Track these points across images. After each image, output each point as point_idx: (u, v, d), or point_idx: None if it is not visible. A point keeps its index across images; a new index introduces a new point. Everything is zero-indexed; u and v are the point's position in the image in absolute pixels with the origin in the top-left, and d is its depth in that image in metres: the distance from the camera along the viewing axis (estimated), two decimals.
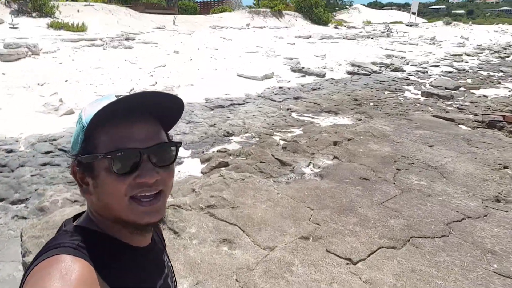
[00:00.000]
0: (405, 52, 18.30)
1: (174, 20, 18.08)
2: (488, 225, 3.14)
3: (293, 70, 11.91)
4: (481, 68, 14.97)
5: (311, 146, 4.99)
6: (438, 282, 2.38)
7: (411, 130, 5.94)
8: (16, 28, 11.30)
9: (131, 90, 7.77)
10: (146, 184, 0.64)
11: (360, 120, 6.60)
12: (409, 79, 11.65)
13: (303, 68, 12.02)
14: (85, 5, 15.59)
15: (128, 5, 19.34)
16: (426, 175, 4.13)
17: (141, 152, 0.64)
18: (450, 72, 13.73)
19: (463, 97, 9.31)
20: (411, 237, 2.89)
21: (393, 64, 14.10)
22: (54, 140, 4.60)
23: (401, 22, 38.10)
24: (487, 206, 3.48)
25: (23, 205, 3.47)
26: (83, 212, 0.74)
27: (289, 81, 10.37)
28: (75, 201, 3.19)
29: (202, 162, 4.37)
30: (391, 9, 76.78)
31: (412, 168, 4.33)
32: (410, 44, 21.51)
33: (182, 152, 4.75)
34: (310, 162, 4.43)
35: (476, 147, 5.23)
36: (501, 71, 14.27)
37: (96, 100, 0.68)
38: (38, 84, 7.45)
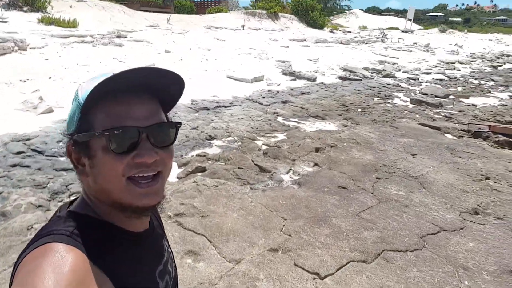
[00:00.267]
0: (398, 58, 18.32)
1: (169, 18, 17.92)
2: (463, 239, 3.08)
3: (284, 73, 11.84)
4: (473, 76, 15.02)
5: (293, 152, 4.91)
6: None
7: (395, 138, 5.89)
8: (5, 22, 11.05)
9: None
10: (145, 164, 0.61)
11: (346, 126, 6.54)
12: (399, 86, 11.63)
13: (294, 71, 11.95)
14: (78, 1, 15.38)
15: (123, 2, 19.14)
16: (406, 185, 4.07)
17: (140, 131, 0.61)
18: (441, 79, 13.76)
19: (451, 105, 9.31)
20: (383, 251, 2.82)
21: (385, 70, 14.08)
22: (28, 140, 4.45)
23: (397, 28, 38.27)
24: (464, 219, 3.42)
25: None
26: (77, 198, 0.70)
27: (279, 85, 10.29)
28: (40, 206, 3.07)
29: (179, 166, 4.26)
30: (389, 15, 77.13)
31: (393, 178, 4.27)
32: (404, 50, 21.55)
33: None
34: (290, 169, 4.35)
35: (460, 157, 5.19)
36: (492, 80, 14.32)
37: (93, 77, 0.64)
38: (21, 80, 7.27)
